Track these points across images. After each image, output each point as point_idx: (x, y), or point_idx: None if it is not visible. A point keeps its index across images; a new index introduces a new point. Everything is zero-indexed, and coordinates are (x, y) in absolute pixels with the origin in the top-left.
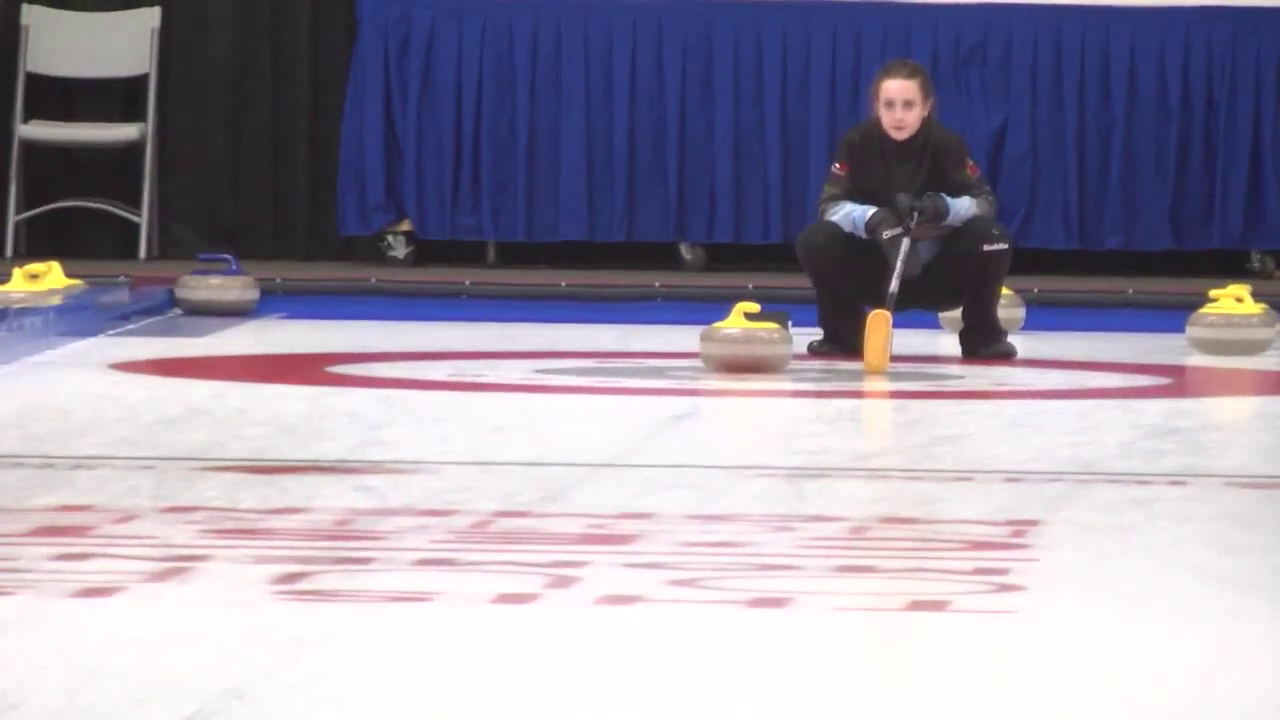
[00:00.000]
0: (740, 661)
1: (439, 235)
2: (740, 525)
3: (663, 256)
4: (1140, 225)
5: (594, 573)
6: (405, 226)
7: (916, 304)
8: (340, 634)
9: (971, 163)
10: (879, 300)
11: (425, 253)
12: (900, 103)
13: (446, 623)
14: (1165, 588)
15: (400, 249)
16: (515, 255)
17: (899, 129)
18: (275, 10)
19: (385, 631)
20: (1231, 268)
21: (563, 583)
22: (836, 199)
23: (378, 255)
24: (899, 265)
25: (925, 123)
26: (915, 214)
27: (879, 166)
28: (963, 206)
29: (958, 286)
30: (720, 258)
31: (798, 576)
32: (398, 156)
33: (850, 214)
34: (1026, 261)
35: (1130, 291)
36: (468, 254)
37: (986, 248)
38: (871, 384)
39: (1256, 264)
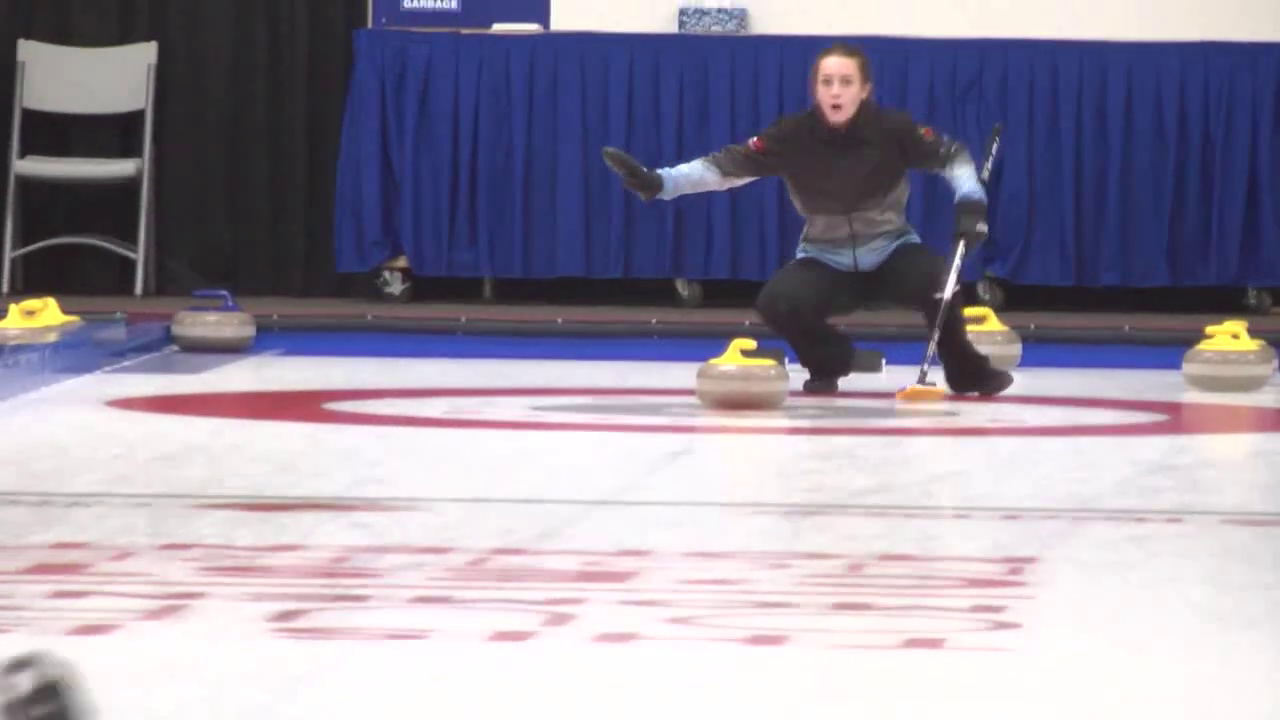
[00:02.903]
0: (737, 699)
1: (435, 271)
2: (737, 562)
3: (659, 293)
4: (1137, 261)
5: (591, 610)
6: (402, 263)
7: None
8: (337, 671)
9: (925, 128)
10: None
11: (421, 289)
12: (838, 78)
13: (443, 660)
14: (1162, 625)
15: (396, 285)
16: (511, 292)
17: (836, 107)
18: (271, 45)
19: (382, 669)
20: (1228, 304)
21: (560, 620)
22: (719, 164)
23: (374, 291)
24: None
25: (865, 107)
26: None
27: (820, 157)
28: (967, 186)
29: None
30: (716, 294)
31: (795, 614)
32: (394, 192)
33: (688, 177)
34: (1022, 297)
35: (1127, 328)
36: (464, 290)
37: (938, 296)
38: (868, 421)
39: (1253, 300)
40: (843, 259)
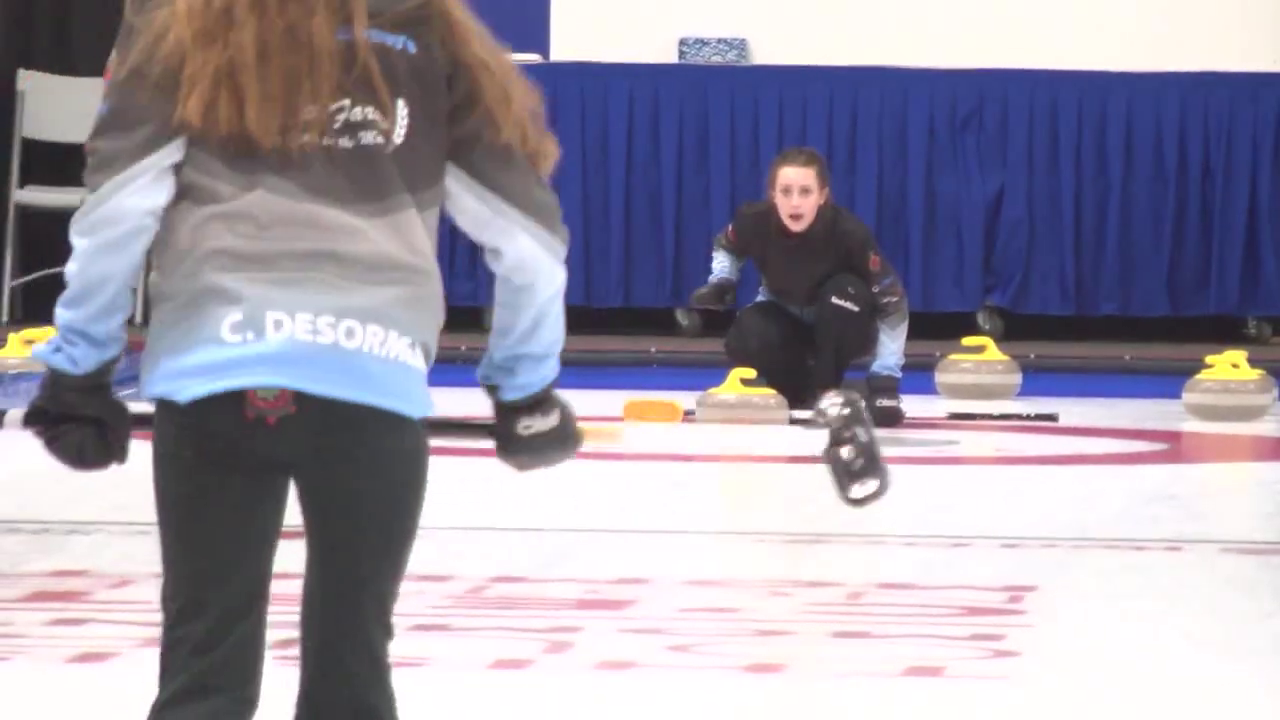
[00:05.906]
0: None
1: None
2: (736, 590)
3: (659, 322)
4: (1137, 291)
5: (590, 638)
6: None
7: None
8: None
9: (875, 256)
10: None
11: None
12: (797, 189)
13: (443, 688)
14: (1160, 655)
15: None
16: None
17: (795, 217)
18: None
19: None
20: (1228, 333)
21: (559, 648)
22: (725, 249)
23: None
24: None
25: (823, 211)
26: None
27: (782, 257)
28: (887, 359)
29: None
30: (717, 323)
31: (794, 642)
32: None
33: (733, 269)
34: (1022, 327)
35: (1127, 357)
36: (463, 320)
37: (835, 300)
38: None
39: (1253, 330)
40: (797, 312)
